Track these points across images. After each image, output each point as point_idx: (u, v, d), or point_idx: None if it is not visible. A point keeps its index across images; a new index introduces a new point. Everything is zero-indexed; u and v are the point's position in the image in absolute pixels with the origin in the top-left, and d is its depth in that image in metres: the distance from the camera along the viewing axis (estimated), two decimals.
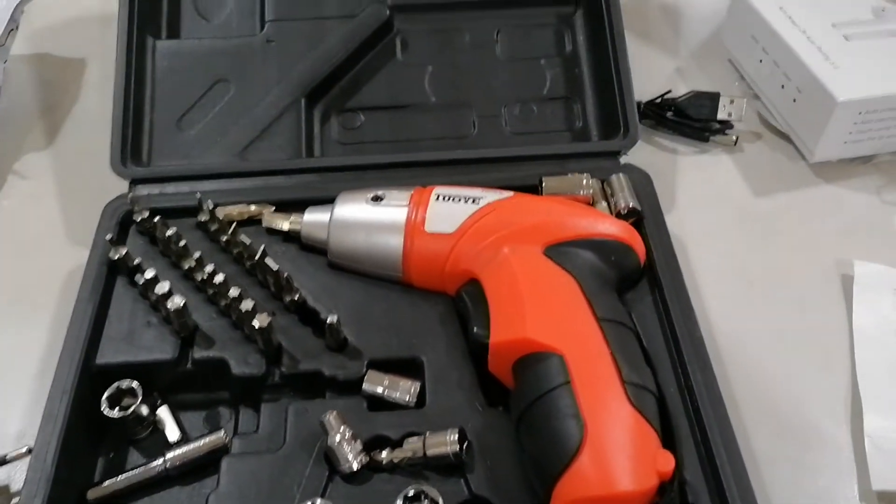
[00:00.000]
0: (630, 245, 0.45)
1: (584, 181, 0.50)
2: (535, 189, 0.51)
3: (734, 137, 0.60)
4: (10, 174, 0.59)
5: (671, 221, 0.53)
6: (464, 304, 0.44)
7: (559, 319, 0.41)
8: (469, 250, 0.44)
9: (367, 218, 0.47)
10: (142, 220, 0.49)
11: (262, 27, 0.58)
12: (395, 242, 0.46)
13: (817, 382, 0.48)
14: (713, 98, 0.60)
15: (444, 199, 0.46)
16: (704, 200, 0.57)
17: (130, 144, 0.53)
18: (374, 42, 0.58)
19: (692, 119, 0.60)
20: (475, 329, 0.43)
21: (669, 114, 0.61)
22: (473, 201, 0.45)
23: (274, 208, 0.51)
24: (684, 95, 0.61)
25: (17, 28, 0.62)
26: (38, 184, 0.58)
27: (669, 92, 0.61)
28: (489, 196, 0.46)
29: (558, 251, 0.44)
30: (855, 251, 0.54)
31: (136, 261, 0.47)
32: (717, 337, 0.50)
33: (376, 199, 0.47)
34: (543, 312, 0.41)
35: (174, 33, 0.59)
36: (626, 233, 0.46)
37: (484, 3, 0.60)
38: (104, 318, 0.46)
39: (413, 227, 0.45)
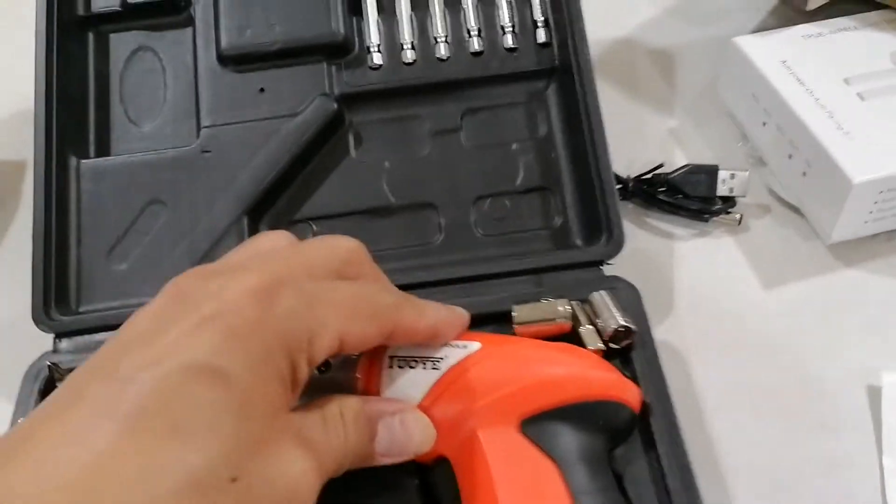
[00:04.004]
0: (621, 402, 0.39)
1: (560, 308, 0.44)
2: (505, 315, 0.45)
3: (738, 216, 0.53)
4: None
5: (667, 330, 0.47)
6: (437, 490, 0.39)
7: None
8: (434, 428, 0.38)
9: (313, 390, 0.40)
10: None
11: (198, 134, 0.52)
12: None
13: None
14: (710, 172, 0.53)
15: (399, 363, 0.39)
16: (706, 298, 0.50)
17: (55, 289, 0.48)
18: (322, 140, 0.52)
19: (688, 197, 0.53)
20: None
21: (662, 190, 0.54)
22: (434, 365, 0.39)
23: None
24: (678, 170, 0.53)
25: None
26: None
27: (662, 166, 0.54)
28: (451, 355, 0.39)
29: (537, 427, 0.37)
30: (883, 353, 0.47)
31: None
32: (726, 475, 0.44)
33: (323, 366, 0.40)
34: None
35: (103, 147, 0.53)
36: (617, 387, 0.39)
37: (444, 85, 0.53)
38: None
39: None
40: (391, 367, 0.39)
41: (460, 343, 0.40)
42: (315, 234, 0.51)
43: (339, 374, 0.40)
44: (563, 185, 0.51)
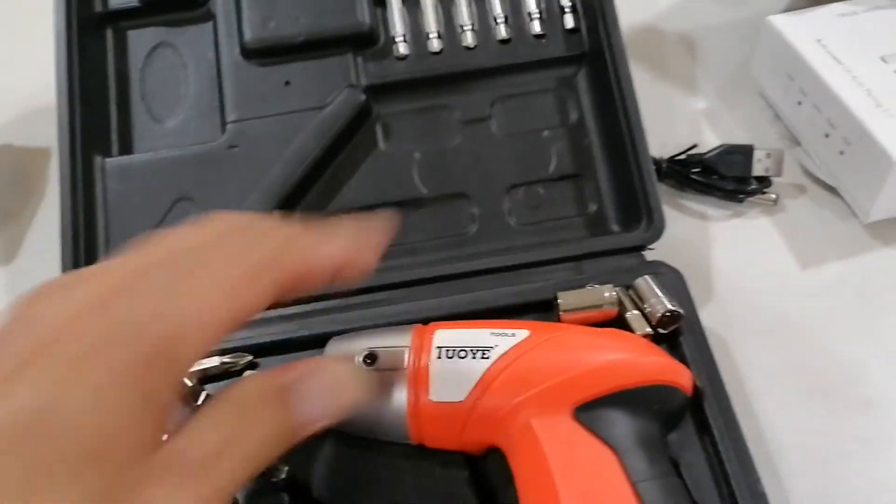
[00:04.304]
0: (675, 385, 0.38)
1: (606, 294, 0.43)
2: (548, 304, 0.44)
3: (773, 196, 0.52)
4: None
5: (709, 316, 0.46)
6: (489, 482, 0.39)
7: None
8: (486, 419, 0.37)
9: None
10: None
11: (224, 130, 0.51)
12: (397, 411, 0.38)
13: None
14: (746, 152, 0.52)
15: (447, 354, 0.38)
16: (743, 280, 0.49)
17: None
18: (350, 132, 0.51)
19: (723, 177, 0.52)
20: None
21: (695, 171, 0.53)
22: (483, 354, 0.38)
23: (251, 357, 0.44)
24: (713, 150, 0.53)
25: None
26: None
27: (696, 146, 0.53)
28: (501, 343, 0.38)
29: (591, 414, 0.36)
30: None
31: None
32: (774, 456, 0.43)
33: (370, 359, 0.39)
34: None
35: (126, 145, 0.52)
36: (670, 371, 0.39)
37: (472, 74, 0.52)
38: None
39: (417, 395, 0.38)
40: (439, 357, 0.38)
41: (508, 331, 0.39)
42: None
43: (386, 368, 0.39)
44: (596, 171, 0.50)
